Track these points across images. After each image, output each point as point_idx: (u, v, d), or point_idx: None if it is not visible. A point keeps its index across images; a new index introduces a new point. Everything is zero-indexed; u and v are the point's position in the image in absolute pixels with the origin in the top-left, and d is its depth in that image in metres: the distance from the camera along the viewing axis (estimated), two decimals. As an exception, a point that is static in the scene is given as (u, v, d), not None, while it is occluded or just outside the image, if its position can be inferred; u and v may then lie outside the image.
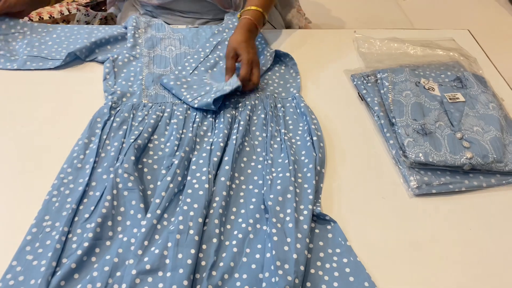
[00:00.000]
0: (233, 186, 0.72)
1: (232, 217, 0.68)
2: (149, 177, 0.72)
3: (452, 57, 1.01)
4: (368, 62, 0.98)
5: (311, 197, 0.69)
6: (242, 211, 0.69)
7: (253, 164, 0.76)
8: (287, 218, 0.66)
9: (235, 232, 0.66)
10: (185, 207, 0.66)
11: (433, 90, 0.89)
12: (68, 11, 1.25)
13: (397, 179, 0.76)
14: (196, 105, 0.82)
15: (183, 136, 0.78)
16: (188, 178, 0.71)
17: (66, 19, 1.20)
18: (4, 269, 0.60)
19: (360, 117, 0.88)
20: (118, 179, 0.69)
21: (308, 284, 0.61)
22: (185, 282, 0.58)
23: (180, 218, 0.64)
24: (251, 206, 0.69)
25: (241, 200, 0.71)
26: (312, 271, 0.63)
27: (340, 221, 0.68)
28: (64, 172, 0.71)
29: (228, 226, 0.67)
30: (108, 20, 1.29)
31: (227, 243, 0.65)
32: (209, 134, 0.79)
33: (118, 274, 0.60)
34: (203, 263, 0.62)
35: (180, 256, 0.60)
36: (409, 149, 0.77)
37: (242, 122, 0.81)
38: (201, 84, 0.87)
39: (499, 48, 1.10)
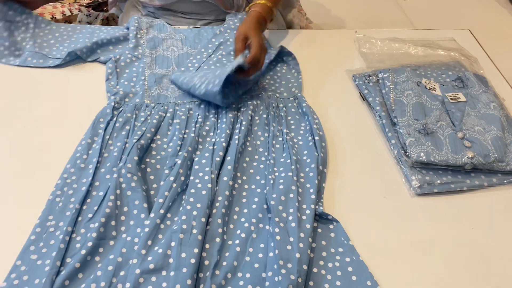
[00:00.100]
0: (236, 186, 0.73)
1: (235, 217, 0.69)
2: (152, 177, 0.73)
3: (453, 57, 1.01)
4: (369, 62, 0.98)
5: (313, 196, 0.70)
6: (245, 210, 0.69)
7: (255, 164, 0.77)
8: (290, 218, 0.66)
9: (238, 232, 0.66)
10: (188, 207, 0.66)
11: (435, 90, 0.89)
12: (70, 11, 1.26)
13: (399, 179, 0.77)
14: (202, 92, 0.81)
15: (185, 136, 0.78)
16: (191, 178, 0.71)
17: (68, 20, 1.21)
18: (8, 269, 0.60)
19: (361, 117, 0.88)
20: (121, 179, 0.69)
21: (311, 283, 0.62)
22: (189, 281, 0.58)
23: (183, 217, 0.65)
24: (254, 206, 0.70)
25: (244, 200, 0.71)
26: (315, 270, 0.63)
27: (342, 221, 0.68)
28: (67, 172, 0.72)
29: (231, 226, 0.67)
30: (109, 21, 1.29)
31: (230, 242, 0.65)
32: (211, 134, 0.80)
33: (122, 273, 0.60)
34: (206, 262, 0.62)
35: (183, 255, 0.61)
36: (410, 149, 0.77)
37: (244, 122, 0.81)
38: (208, 71, 0.87)
39: (500, 48, 1.10)
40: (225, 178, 0.71)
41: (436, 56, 1.01)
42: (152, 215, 0.65)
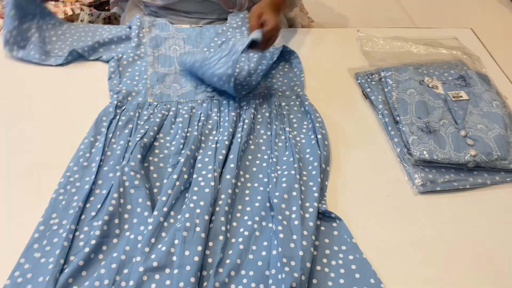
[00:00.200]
0: (239, 184, 0.73)
1: (238, 215, 0.69)
2: (155, 175, 0.73)
3: (455, 55, 1.01)
4: (371, 60, 0.98)
5: (316, 194, 0.70)
6: (248, 208, 0.69)
7: (258, 162, 0.77)
8: (293, 216, 0.66)
9: (241, 230, 0.66)
10: (191, 205, 0.66)
11: (437, 89, 0.89)
12: (72, 11, 1.26)
13: (402, 177, 0.77)
14: (219, 70, 0.81)
15: (188, 134, 0.78)
16: (194, 176, 0.71)
17: (70, 19, 1.21)
18: (12, 267, 0.60)
19: (364, 115, 0.88)
20: (124, 177, 0.69)
21: (314, 281, 0.62)
22: (192, 279, 0.59)
23: (187, 215, 0.65)
24: (257, 204, 0.70)
25: (247, 198, 0.71)
26: (318, 268, 0.63)
27: (345, 219, 0.68)
28: (70, 170, 0.72)
29: (234, 224, 0.67)
30: (111, 20, 1.29)
31: (233, 240, 0.65)
32: (214, 132, 0.80)
33: (125, 271, 0.60)
34: (209, 260, 0.62)
35: (187, 253, 0.61)
36: (413, 147, 0.77)
37: (246, 121, 0.81)
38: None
39: (502, 46, 1.10)
40: (228, 177, 0.71)
41: (438, 55, 1.01)
42: (155, 213, 0.66)
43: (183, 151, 0.75)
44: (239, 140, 0.77)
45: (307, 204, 0.68)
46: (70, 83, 0.90)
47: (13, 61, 0.93)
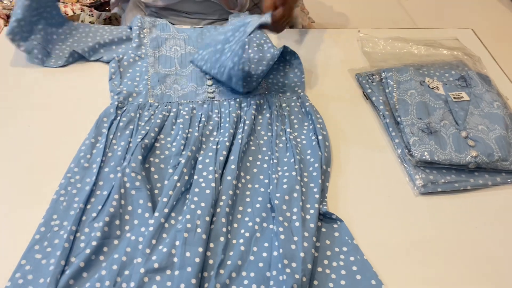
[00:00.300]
0: (239, 185, 0.73)
1: (239, 216, 0.69)
2: (156, 176, 0.73)
3: (456, 56, 1.01)
4: (372, 61, 0.98)
5: (317, 196, 0.70)
6: (249, 210, 0.69)
7: (258, 163, 0.77)
8: (294, 217, 0.66)
9: (242, 231, 0.66)
10: (192, 206, 0.66)
11: (438, 89, 0.89)
12: (73, 11, 1.26)
13: (403, 178, 0.77)
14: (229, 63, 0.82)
15: (189, 135, 0.78)
16: (195, 177, 0.71)
17: (71, 20, 1.21)
18: (13, 268, 0.60)
19: (365, 116, 0.88)
20: (125, 178, 0.69)
21: (316, 282, 0.62)
22: (193, 281, 0.59)
23: (188, 216, 0.65)
24: (258, 205, 0.70)
25: (248, 199, 0.71)
26: (319, 269, 0.63)
27: (346, 220, 0.68)
28: (71, 171, 0.72)
29: (235, 225, 0.67)
30: (112, 21, 1.29)
31: (234, 241, 0.65)
32: (214, 133, 0.80)
33: (127, 272, 0.60)
34: (210, 261, 0.62)
35: (188, 254, 0.61)
36: (414, 148, 0.77)
37: (247, 122, 0.81)
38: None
39: (503, 47, 1.10)
40: (228, 178, 0.71)
41: (439, 55, 1.01)
42: (156, 214, 0.66)
43: (183, 152, 0.75)
44: (239, 141, 0.77)
45: (308, 206, 0.68)
46: (71, 84, 0.90)
47: (13, 62, 0.93)
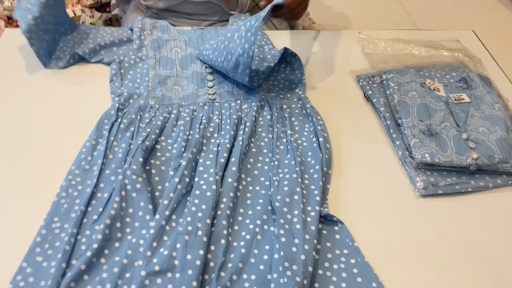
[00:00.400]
0: (240, 187, 0.73)
1: (240, 218, 0.69)
2: (157, 179, 0.73)
3: (457, 57, 1.01)
4: (373, 63, 0.98)
5: (318, 198, 0.70)
6: (250, 212, 0.69)
7: (259, 165, 0.77)
8: (295, 219, 0.66)
9: (243, 233, 0.66)
10: (193, 208, 0.66)
11: (439, 91, 0.89)
12: (73, 12, 1.26)
13: (404, 180, 0.77)
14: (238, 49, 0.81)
15: (190, 137, 0.78)
16: (196, 179, 0.71)
17: (71, 21, 1.21)
18: (14, 271, 0.60)
19: (366, 118, 0.88)
20: (126, 180, 0.69)
21: (316, 285, 0.62)
22: (194, 283, 0.59)
23: (189, 219, 0.65)
24: (258, 207, 0.70)
25: (248, 201, 0.71)
26: (320, 272, 0.63)
27: (347, 222, 0.68)
28: (72, 173, 0.72)
29: (236, 227, 0.67)
30: (113, 22, 1.30)
31: (235, 244, 0.65)
32: (215, 135, 0.80)
33: (127, 275, 0.60)
34: (211, 264, 0.62)
35: (189, 257, 0.61)
36: (415, 150, 0.77)
37: (248, 123, 0.81)
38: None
39: (504, 49, 1.10)
40: (229, 180, 0.71)
41: (440, 57, 1.01)
42: (157, 216, 0.66)
43: (184, 154, 0.75)
44: (240, 143, 0.77)
45: (309, 208, 0.68)
46: (72, 85, 0.90)
47: (14, 63, 0.93)
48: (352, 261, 0.64)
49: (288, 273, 0.59)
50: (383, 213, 0.72)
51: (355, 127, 0.86)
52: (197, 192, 0.69)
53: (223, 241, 0.64)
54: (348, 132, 0.84)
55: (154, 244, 0.63)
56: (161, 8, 1.07)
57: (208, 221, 0.65)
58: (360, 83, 0.93)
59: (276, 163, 0.75)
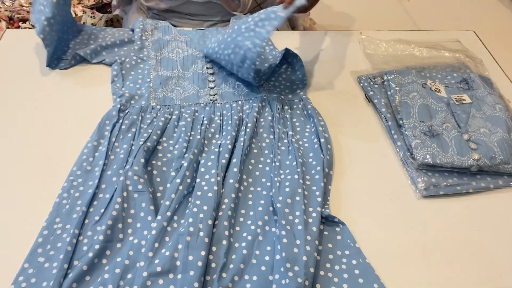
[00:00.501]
0: (242, 188, 0.73)
1: (241, 219, 0.69)
2: (158, 179, 0.73)
3: (458, 58, 1.01)
4: (374, 63, 0.98)
5: (319, 199, 0.70)
6: (251, 213, 0.69)
7: (261, 166, 0.77)
8: (296, 220, 0.66)
9: (244, 234, 0.66)
10: (195, 209, 0.66)
11: (440, 92, 0.89)
12: (74, 13, 1.26)
13: (405, 181, 0.77)
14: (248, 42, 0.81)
15: (191, 138, 0.78)
16: (197, 180, 0.71)
17: (73, 21, 1.21)
18: (16, 272, 0.60)
19: (367, 118, 0.88)
20: (128, 181, 0.69)
21: (318, 286, 0.62)
22: (196, 284, 0.59)
23: (190, 220, 0.65)
24: (260, 208, 0.70)
25: (250, 202, 0.71)
26: (322, 273, 0.63)
27: (349, 223, 0.68)
28: (73, 174, 0.72)
29: (237, 228, 0.68)
30: (114, 22, 1.30)
31: (236, 245, 0.65)
32: (217, 136, 0.80)
33: (129, 276, 0.60)
34: (213, 265, 0.62)
35: (190, 258, 0.61)
36: (416, 151, 0.77)
37: (249, 124, 0.81)
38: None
39: (505, 49, 1.10)
40: (231, 181, 0.71)
41: (441, 58, 1.01)
42: (159, 217, 0.66)
43: (186, 155, 0.75)
44: (242, 144, 0.77)
45: (311, 209, 0.68)
46: (73, 86, 0.90)
47: (15, 64, 0.93)
48: (354, 262, 0.64)
49: (290, 274, 0.59)
50: (384, 214, 0.72)
51: (356, 128, 0.86)
52: (199, 193, 0.69)
53: (224, 242, 0.64)
54: (349, 133, 0.84)
55: (156, 245, 0.63)
56: (163, 9, 1.07)
57: (210, 222, 0.65)
58: (361, 84, 0.93)
59: (277, 164, 0.75)
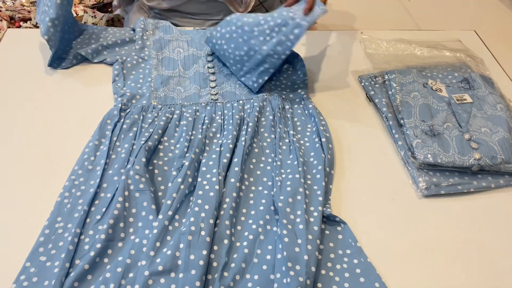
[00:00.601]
0: (243, 187, 0.73)
1: (242, 218, 0.69)
2: (159, 179, 0.73)
3: (459, 58, 1.01)
4: (375, 63, 0.98)
5: (320, 198, 0.70)
6: (252, 212, 0.70)
7: (262, 165, 0.77)
8: (298, 220, 0.66)
9: (246, 233, 0.67)
10: (196, 208, 0.66)
11: (441, 91, 0.89)
12: (75, 13, 1.26)
13: (406, 180, 0.77)
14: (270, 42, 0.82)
15: (192, 137, 0.79)
16: (199, 179, 0.71)
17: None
18: (18, 270, 0.60)
19: (368, 118, 0.88)
20: (129, 180, 0.69)
21: (319, 285, 0.62)
22: (197, 283, 0.59)
23: (192, 219, 0.65)
24: (261, 208, 0.70)
25: (251, 202, 0.71)
26: (323, 272, 0.63)
27: (350, 222, 0.69)
28: (75, 173, 0.72)
29: (239, 227, 0.68)
30: (115, 22, 1.30)
31: (238, 244, 0.65)
32: (218, 135, 0.80)
33: (131, 275, 0.60)
34: (214, 264, 0.62)
35: (192, 257, 0.61)
36: (417, 150, 0.77)
37: (250, 124, 0.81)
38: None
39: (506, 49, 1.10)
40: (232, 180, 0.71)
41: (442, 57, 1.01)
42: (160, 216, 0.66)
43: (187, 154, 0.75)
44: (243, 143, 0.77)
45: (312, 208, 0.68)
46: (74, 86, 0.90)
47: (16, 63, 0.93)
48: (355, 261, 0.64)
49: (291, 273, 0.60)
50: (386, 213, 0.72)
51: (357, 127, 0.86)
52: (200, 192, 0.69)
53: (226, 241, 0.65)
54: (350, 133, 0.84)
55: (157, 244, 0.63)
56: (165, 8, 1.07)
57: (211, 221, 0.65)
58: (362, 84, 0.93)
59: (278, 163, 0.75)
